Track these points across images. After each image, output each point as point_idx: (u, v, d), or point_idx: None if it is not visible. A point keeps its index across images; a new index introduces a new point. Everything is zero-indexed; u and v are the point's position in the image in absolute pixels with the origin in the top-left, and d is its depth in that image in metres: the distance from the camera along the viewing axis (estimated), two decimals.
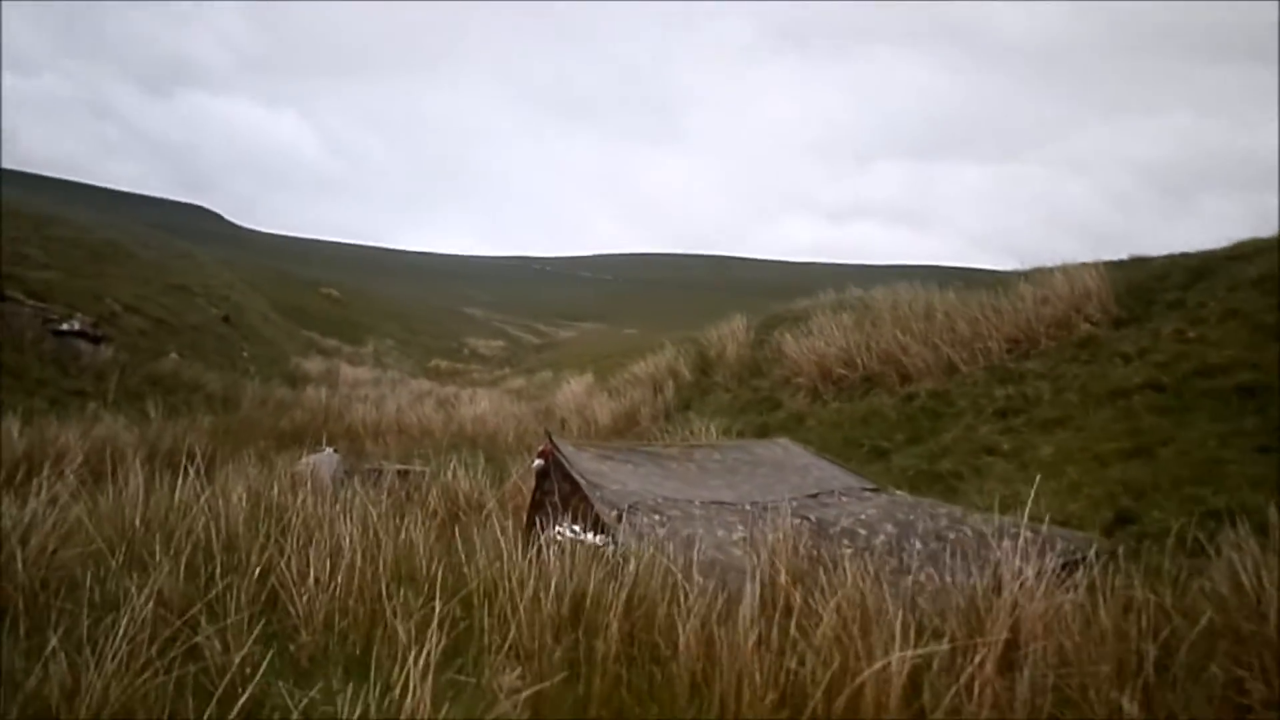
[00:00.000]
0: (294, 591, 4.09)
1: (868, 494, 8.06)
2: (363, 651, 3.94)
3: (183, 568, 4.18)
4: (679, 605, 4.43)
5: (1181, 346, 10.83)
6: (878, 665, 3.66)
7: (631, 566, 4.86)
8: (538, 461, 8.19)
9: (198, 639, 3.52)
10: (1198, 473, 7.90)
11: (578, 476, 7.62)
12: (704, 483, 8.07)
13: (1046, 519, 7.71)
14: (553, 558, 4.97)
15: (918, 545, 6.75)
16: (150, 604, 3.44)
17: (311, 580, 4.27)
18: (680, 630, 4.11)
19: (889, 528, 6.93)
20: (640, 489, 7.50)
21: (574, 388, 24.09)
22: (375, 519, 5.86)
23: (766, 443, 9.13)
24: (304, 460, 11.75)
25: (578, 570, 4.88)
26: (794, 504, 7.60)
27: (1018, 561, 6.91)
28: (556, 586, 4.65)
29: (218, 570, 4.18)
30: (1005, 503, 8.80)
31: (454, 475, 9.60)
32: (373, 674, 3.60)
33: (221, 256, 47.53)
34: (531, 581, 4.62)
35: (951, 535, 6.89)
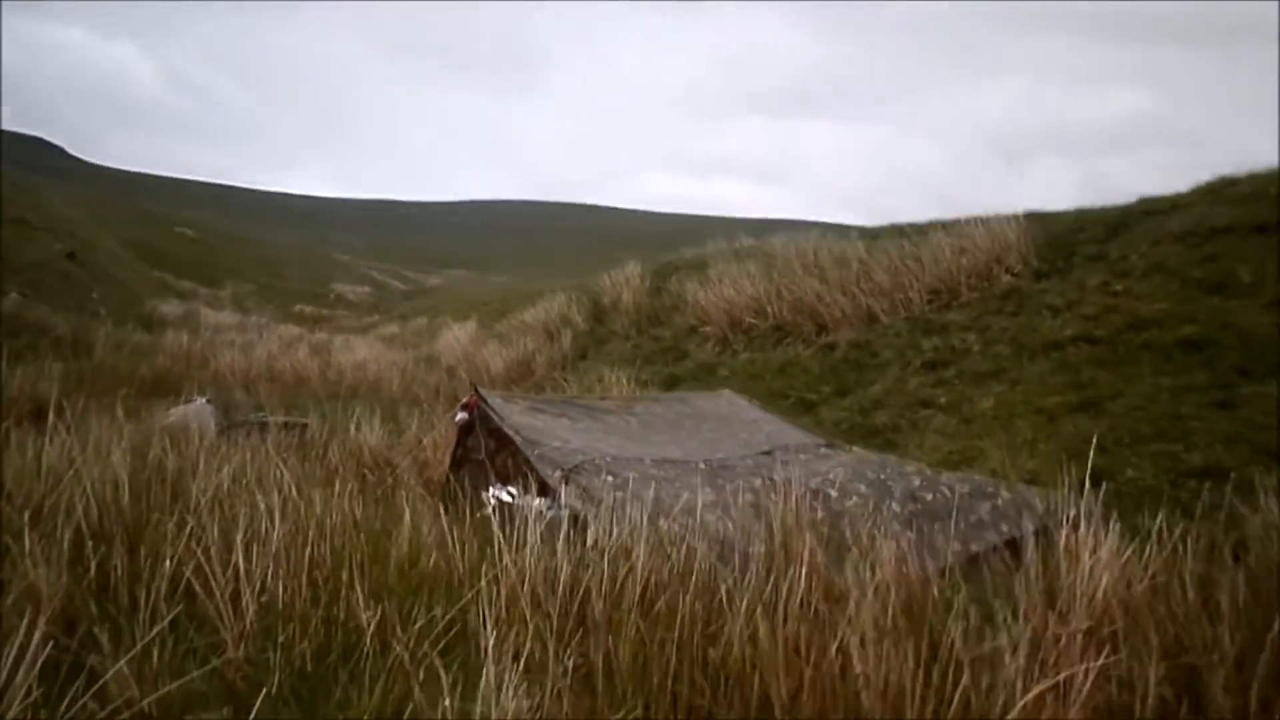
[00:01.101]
0: (218, 590, 3.10)
1: (825, 450, 7.46)
2: (315, 666, 3.03)
3: (63, 560, 3.14)
4: (715, 596, 3.65)
5: (1110, 300, 10.64)
6: (1062, 675, 2.91)
7: (640, 552, 4.00)
8: (460, 414, 7.27)
9: (91, 661, 2.56)
10: (1159, 428, 7.61)
11: (510, 432, 6.75)
12: (647, 438, 7.31)
13: (1013, 478, 7.33)
14: (526, 535, 4.09)
15: (894, 507, 6.17)
16: (24, 617, 2.41)
17: (235, 571, 3.30)
18: (734, 633, 3.33)
19: (861, 488, 6.32)
20: (583, 446, 6.68)
21: (457, 335, 22.90)
22: (290, 487, 4.86)
23: (709, 395, 8.43)
24: (174, 411, 10.44)
25: (558, 552, 4.02)
26: (749, 462, 6.94)
27: (1028, 525, 6.48)
28: (546, 574, 3.80)
29: (113, 563, 3.18)
30: (954, 459, 8.42)
31: (357, 429, 8.53)
32: (337, 696, 2.72)
33: (65, 191, 43.68)
34: (513, 569, 3.75)
35: (929, 496, 6.34)
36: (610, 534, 4.63)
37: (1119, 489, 6.77)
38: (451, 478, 7.46)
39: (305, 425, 12.61)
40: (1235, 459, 6.67)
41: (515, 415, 7.03)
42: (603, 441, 6.98)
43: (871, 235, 19.48)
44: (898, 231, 19.89)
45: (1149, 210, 12.86)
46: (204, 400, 11.13)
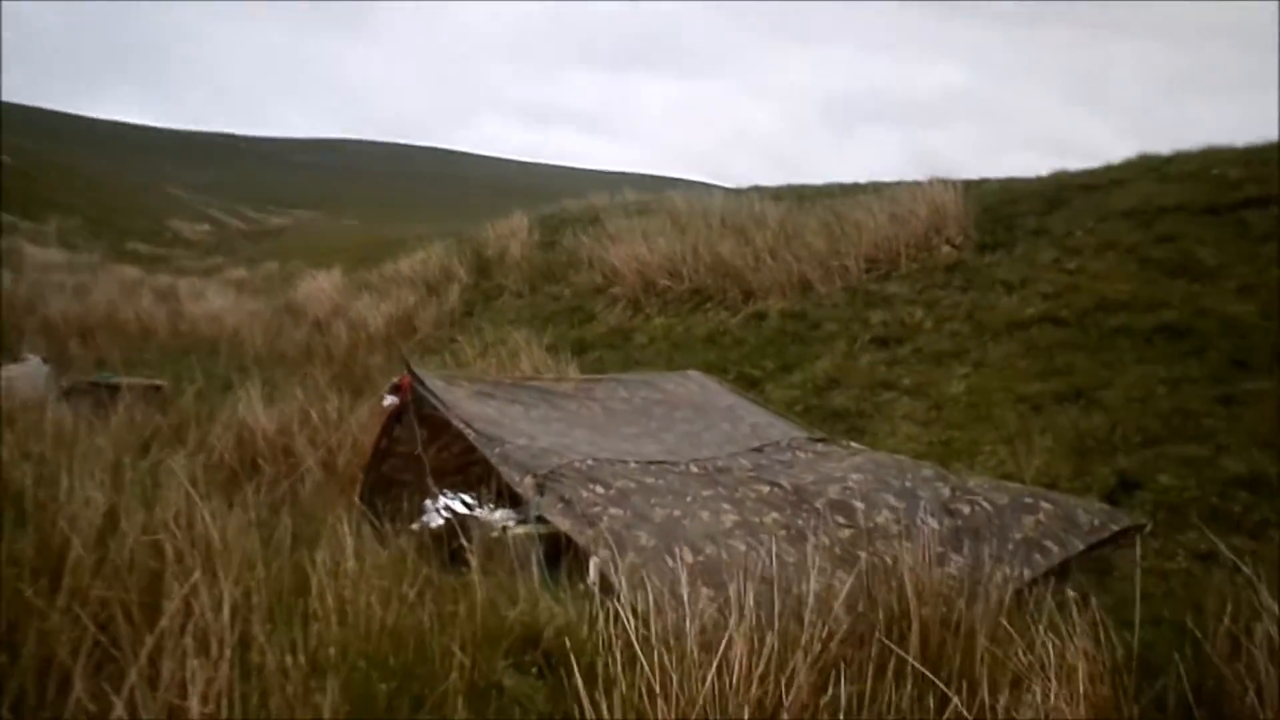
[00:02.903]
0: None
1: (822, 448, 6.45)
2: None
3: None
4: None
5: (1067, 278, 10.03)
6: None
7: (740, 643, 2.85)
8: (389, 398, 5.89)
9: None
10: (1170, 426, 6.92)
11: (460, 424, 5.45)
12: (615, 431, 6.13)
13: (1027, 481, 6.51)
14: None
15: (931, 523, 5.20)
16: None
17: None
18: None
19: (890, 499, 5.33)
20: (553, 444, 5.43)
21: (321, 284, 20.82)
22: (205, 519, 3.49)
23: (676, 376, 7.28)
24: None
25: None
26: (744, 462, 5.86)
27: (1075, 544, 5.61)
28: None
29: None
30: (936, 451, 7.58)
31: (248, 404, 6.99)
32: None
33: None
34: None
35: (965, 509, 5.41)
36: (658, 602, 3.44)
37: (1156, 500, 6.04)
38: (371, 478, 6.09)
39: (160, 387, 10.84)
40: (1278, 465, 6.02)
41: (462, 401, 5.72)
42: (568, 436, 5.76)
43: (773, 196, 18.69)
44: (796, 194, 19.22)
45: (1087, 185, 12.39)
46: (37, 359, 9.23)
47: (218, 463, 6.51)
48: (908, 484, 5.60)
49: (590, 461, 5.18)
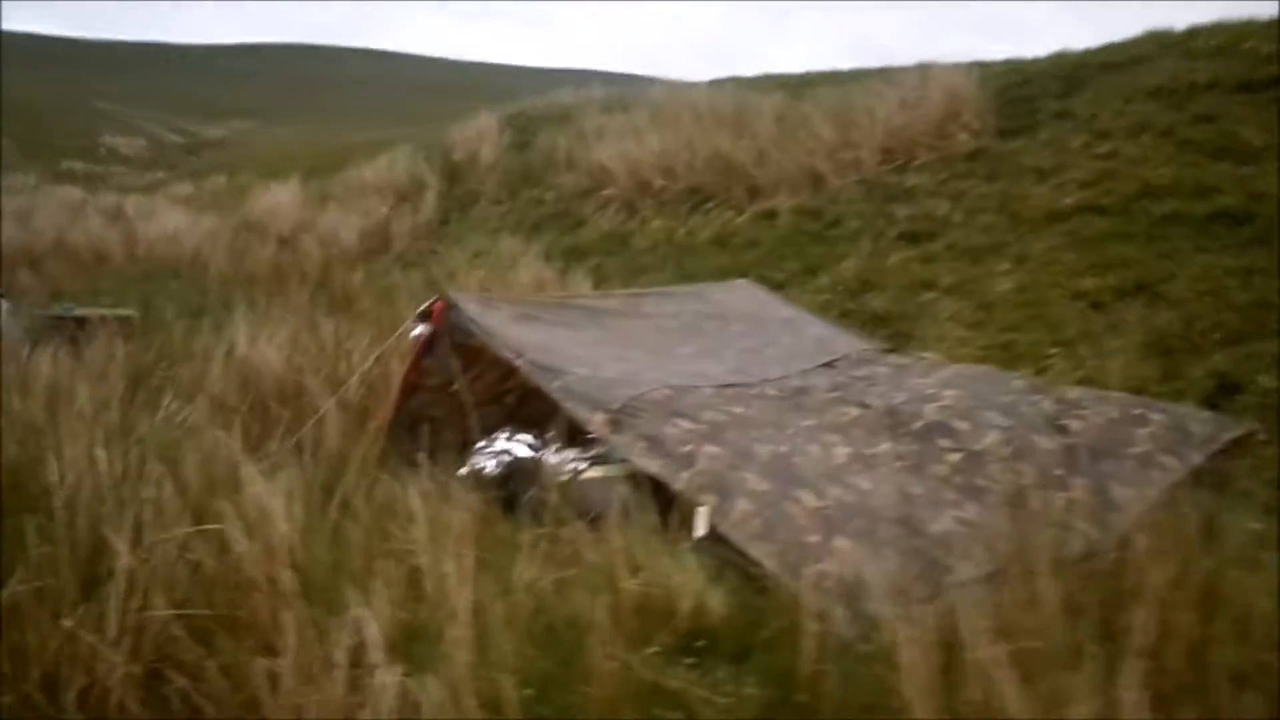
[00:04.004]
0: None
1: (895, 358, 5.88)
2: None
3: None
4: None
5: (1101, 163, 9.45)
6: None
7: None
8: (419, 327, 5.18)
9: None
10: (1255, 321, 6.45)
11: (509, 355, 4.77)
12: (670, 350, 5.49)
13: (1114, 387, 6.01)
14: None
15: (1044, 443, 4.69)
16: None
17: None
18: None
19: (994, 417, 4.78)
20: (620, 372, 4.79)
21: (279, 197, 19.60)
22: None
23: (723, 287, 6.62)
24: None
25: None
26: (821, 381, 5.27)
27: (1193, 457, 5.12)
28: None
29: None
30: (995, 355, 7.06)
31: (243, 337, 6.24)
32: None
33: None
34: None
35: (1073, 424, 4.87)
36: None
37: (1262, 403, 5.57)
38: (398, 418, 5.42)
39: (129, 318, 10.00)
40: None
41: (504, 327, 5.03)
42: (627, 359, 5.12)
43: (751, 87, 17.76)
44: (777, 85, 18.29)
45: (1105, 64, 11.71)
46: None
47: (220, 405, 5.79)
48: (1006, 398, 5.06)
49: (666, 390, 4.55)
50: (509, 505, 4.58)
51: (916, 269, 8.71)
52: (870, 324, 7.90)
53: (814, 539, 3.56)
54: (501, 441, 4.77)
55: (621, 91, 21.40)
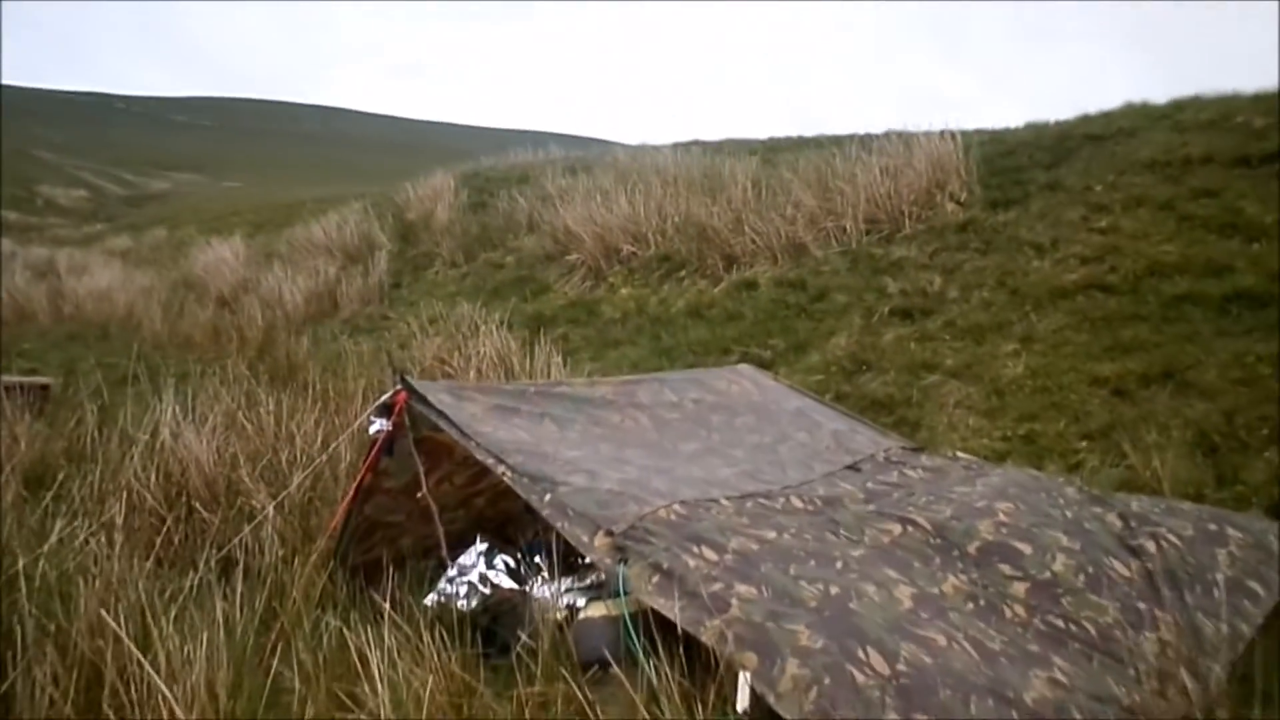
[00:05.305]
0: None
1: (926, 459, 5.17)
2: None
3: None
4: None
5: (1101, 238, 8.98)
6: None
7: None
8: (378, 423, 4.36)
9: None
10: None
11: (486, 458, 3.99)
12: (673, 449, 4.73)
13: (1167, 492, 5.36)
14: None
15: (1120, 570, 3.98)
16: None
17: None
18: None
19: (1059, 537, 4.07)
20: (622, 481, 4.01)
21: (221, 254, 18.65)
22: None
23: (723, 372, 5.87)
24: None
25: None
26: (850, 487, 4.54)
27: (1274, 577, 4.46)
28: None
29: None
30: (1018, 450, 6.41)
31: (173, 427, 5.36)
32: None
33: None
34: None
35: (1149, 545, 4.18)
36: None
37: None
38: (346, 528, 4.59)
39: (45, 387, 9.03)
40: None
41: (479, 422, 4.23)
42: (627, 462, 4.34)
43: (716, 150, 17.28)
44: (750, 150, 17.85)
45: (1092, 135, 11.38)
46: None
47: (138, 504, 4.90)
48: (1065, 512, 4.37)
49: (677, 507, 3.78)
50: (487, 644, 3.76)
51: (914, 348, 8.08)
52: (871, 410, 7.22)
53: (892, 718, 2.79)
54: (477, 565, 3.95)
55: (582, 153, 20.93)
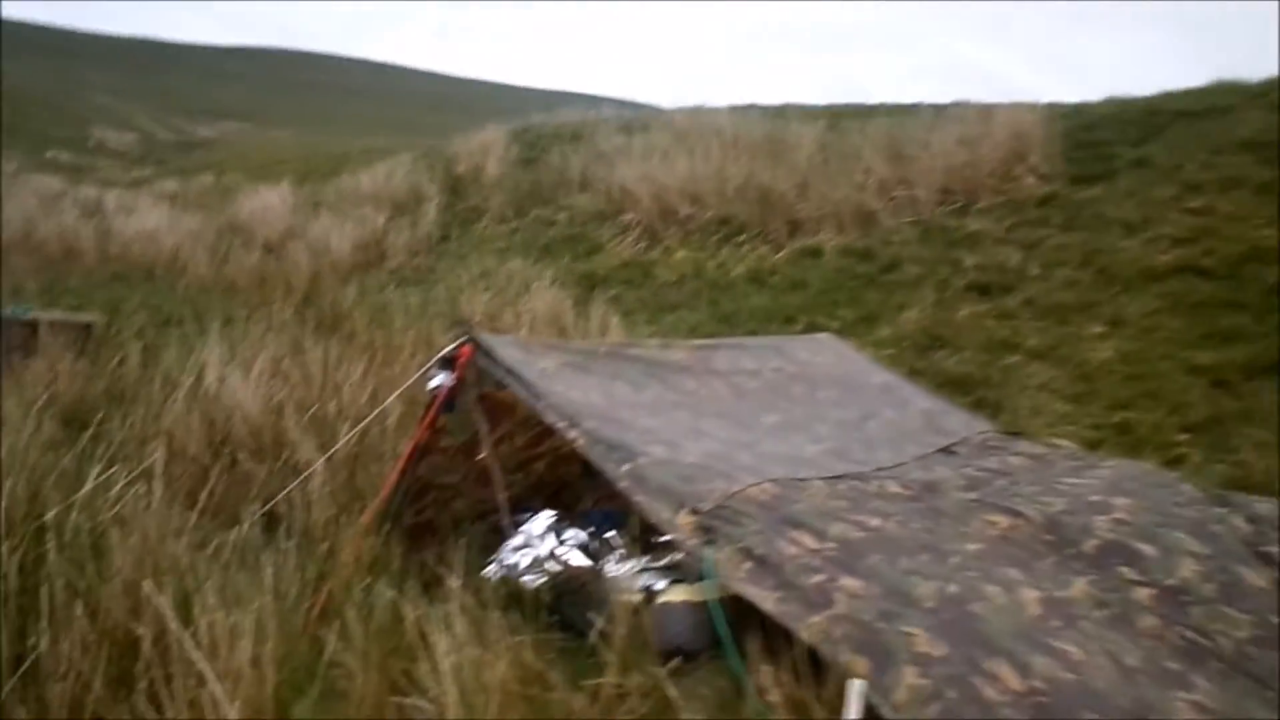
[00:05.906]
0: None
1: (1026, 446, 4.77)
2: None
3: None
4: None
5: (1194, 219, 8.45)
6: None
7: None
8: (439, 376, 4.03)
9: None
10: None
11: (558, 421, 3.65)
12: (754, 421, 4.36)
13: None
14: None
15: (1253, 579, 3.59)
16: None
17: None
18: None
19: (1185, 541, 3.67)
20: (705, 454, 3.66)
21: (269, 200, 18.40)
22: None
23: (804, 341, 5.50)
24: None
25: None
26: (949, 473, 4.16)
27: None
28: None
29: None
30: (1111, 439, 5.98)
31: (218, 370, 5.06)
32: None
33: None
34: None
35: (1274, 549, 3.78)
36: None
37: None
38: (398, 490, 4.26)
39: (89, 325, 8.83)
40: None
41: (549, 380, 3.89)
42: (705, 433, 3.99)
43: (776, 114, 16.75)
44: (811, 116, 17.28)
45: (1183, 111, 10.76)
46: None
47: (180, 451, 4.62)
48: (1188, 512, 3.96)
49: (769, 485, 3.42)
50: (562, 625, 3.44)
51: (992, 326, 7.64)
52: (948, 388, 6.78)
53: None
54: (545, 537, 3.62)
55: (635, 114, 20.43)
